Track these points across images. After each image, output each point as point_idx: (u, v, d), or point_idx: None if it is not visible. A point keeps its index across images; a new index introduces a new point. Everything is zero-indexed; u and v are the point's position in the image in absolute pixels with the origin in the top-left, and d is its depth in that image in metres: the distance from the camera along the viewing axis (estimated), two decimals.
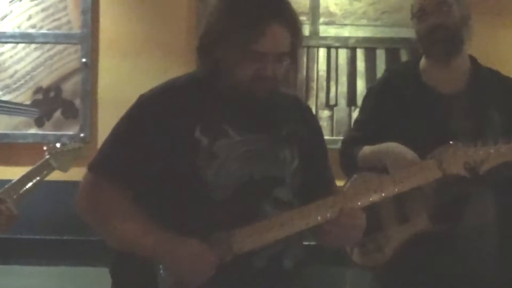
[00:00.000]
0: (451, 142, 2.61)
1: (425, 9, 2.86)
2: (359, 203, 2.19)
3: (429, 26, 2.84)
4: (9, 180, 3.40)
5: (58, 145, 3.57)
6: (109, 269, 2.26)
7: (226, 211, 2.16)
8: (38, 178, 3.44)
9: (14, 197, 3.24)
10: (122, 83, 4.42)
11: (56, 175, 3.63)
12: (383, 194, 2.21)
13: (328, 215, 2.15)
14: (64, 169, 3.59)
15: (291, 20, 2.18)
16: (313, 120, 2.47)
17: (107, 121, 4.23)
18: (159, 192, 2.23)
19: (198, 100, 2.23)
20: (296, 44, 2.21)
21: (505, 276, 2.85)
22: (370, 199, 2.20)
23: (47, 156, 3.53)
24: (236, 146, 2.20)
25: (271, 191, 2.22)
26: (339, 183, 2.83)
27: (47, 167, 3.51)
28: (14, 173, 3.59)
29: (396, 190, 2.23)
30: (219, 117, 2.21)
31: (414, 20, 2.93)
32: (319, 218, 2.15)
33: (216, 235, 2.11)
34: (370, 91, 3.12)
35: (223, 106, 2.22)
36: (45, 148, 3.57)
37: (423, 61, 2.98)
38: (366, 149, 2.87)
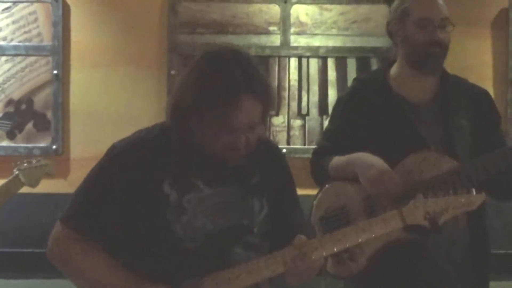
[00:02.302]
0: (422, 151, 2.73)
1: (433, 22, 2.81)
2: (324, 253, 2.23)
3: (431, 39, 2.80)
4: None
5: (25, 162, 3.66)
6: None
7: (197, 258, 2.19)
8: (9, 193, 3.56)
9: None
10: (94, 95, 4.42)
11: (26, 188, 3.69)
12: (347, 244, 2.25)
13: (292, 263, 2.19)
14: (33, 185, 3.67)
15: (263, 92, 2.17)
16: (284, 166, 2.45)
17: (79, 132, 4.32)
18: (130, 242, 2.26)
19: (168, 154, 2.24)
20: (267, 112, 2.22)
21: (475, 283, 2.86)
22: (334, 248, 2.24)
23: (17, 172, 3.62)
24: (205, 199, 2.23)
25: (241, 237, 2.26)
26: (312, 191, 2.93)
27: (17, 183, 3.61)
28: None
29: (360, 240, 2.27)
30: (188, 171, 2.23)
31: (406, 25, 2.86)
32: (284, 266, 2.19)
33: (187, 282, 2.16)
34: (339, 100, 3.08)
35: (192, 159, 2.23)
36: (13, 165, 3.67)
37: (393, 69, 2.96)
38: (337, 159, 2.86)
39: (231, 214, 2.25)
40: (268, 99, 2.20)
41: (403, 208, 2.31)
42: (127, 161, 2.23)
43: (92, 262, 2.20)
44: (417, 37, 2.82)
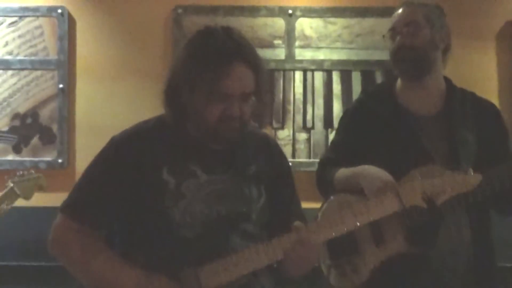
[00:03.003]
0: (427, 165, 2.67)
1: (395, 29, 2.89)
2: (322, 237, 2.24)
3: (397, 46, 2.86)
4: None
5: (18, 173, 3.69)
6: None
7: (195, 246, 2.21)
8: (5, 206, 3.58)
9: None
10: (99, 108, 4.44)
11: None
12: (345, 228, 2.26)
13: (291, 248, 2.20)
14: (27, 197, 3.69)
15: (252, 59, 2.22)
16: (281, 158, 2.48)
17: (84, 146, 4.36)
18: (129, 231, 2.29)
19: (166, 142, 2.28)
20: (260, 83, 2.25)
21: None
22: (333, 233, 2.25)
23: (11, 185, 3.64)
24: (203, 186, 2.25)
25: (238, 225, 2.27)
26: (317, 205, 2.91)
27: (13, 195, 3.64)
28: None
29: (357, 223, 2.27)
30: (187, 158, 2.26)
31: (386, 40, 2.94)
32: (283, 252, 2.20)
33: (185, 271, 2.16)
34: (346, 112, 3.12)
35: (191, 147, 2.28)
36: (6, 178, 3.68)
37: (398, 83, 2.97)
38: (342, 171, 2.86)
39: (229, 201, 2.27)
40: (260, 69, 2.24)
41: (400, 189, 2.32)
42: (126, 150, 2.27)
43: (91, 254, 2.22)
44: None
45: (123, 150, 2.28)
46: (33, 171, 3.79)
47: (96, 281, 2.23)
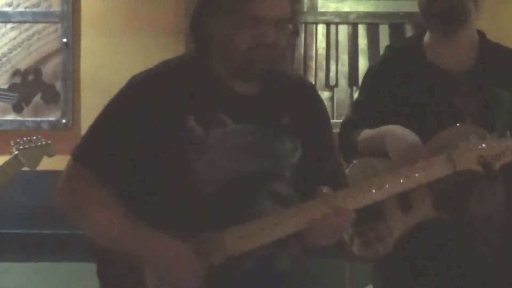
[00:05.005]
0: (458, 125, 2.64)
1: None
2: (360, 202, 2.12)
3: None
4: None
5: (24, 139, 3.59)
6: (96, 270, 2.19)
7: (219, 206, 2.08)
8: (7, 175, 3.50)
9: None
10: (106, 65, 4.35)
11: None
12: (386, 192, 2.16)
13: (323, 214, 2.08)
14: (32, 167, 3.61)
15: None
16: (319, 105, 2.34)
17: (90, 105, 4.30)
18: (144, 185, 2.14)
19: (193, 85, 2.15)
20: (296, 11, 2.12)
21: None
22: (373, 197, 2.13)
23: (16, 152, 3.56)
24: (232, 136, 2.12)
25: (268, 185, 2.14)
26: None
27: (17, 163, 3.54)
28: None
29: (402, 188, 2.18)
30: (214, 104, 2.13)
31: None
32: (314, 217, 2.07)
33: (208, 234, 2.04)
34: (370, 70, 3.06)
35: (218, 91, 2.14)
36: (12, 143, 3.58)
37: (427, 37, 2.89)
38: (366, 132, 2.80)
39: (258, 155, 2.13)
40: None
41: (454, 152, 2.24)
42: (147, 92, 2.13)
43: (98, 198, 2.10)
44: None
45: (144, 91, 2.13)
46: (41, 138, 3.68)
47: (99, 232, 2.11)
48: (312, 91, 2.35)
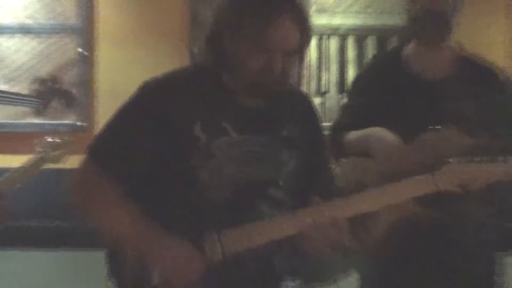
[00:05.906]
0: (438, 127, 2.66)
1: None
2: (350, 212, 2.16)
3: (424, 9, 2.81)
4: (7, 169, 3.46)
5: (49, 139, 3.60)
6: (105, 259, 2.23)
7: (220, 211, 2.12)
8: (31, 172, 3.49)
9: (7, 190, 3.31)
10: (120, 72, 4.43)
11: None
12: (375, 207, 2.19)
13: (314, 220, 2.12)
14: (56, 162, 3.60)
15: (301, 16, 2.14)
16: (316, 120, 2.39)
17: (105, 109, 4.35)
18: (151, 187, 2.18)
19: (202, 94, 2.16)
20: (305, 43, 2.16)
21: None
22: (361, 210, 2.17)
23: (39, 149, 3.55)
24: (235, 145, 2.15)
25: (266, 192, 2.19)
26: None
27: (39, 161, 3.54)
28: (12, 162, 3.68)
29: (387, 202, 2.21)
30: (220, 114, 2.16)
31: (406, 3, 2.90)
32: (309, 223, 2.11)
33: (207, 235, 2.09)
34: (357, 77, 3.14)
35: (225, 103, 2.17)
36: (35, 141, 3.58)
37: (409, 47, 2.95)
38: (352, 134, 2.87)
39: (259, 164, 2.17)
40: (306, 27, 2.15)
41: (436, 173, 2.21)
42: (159, 97, 2.14)
43: (108, 195, 2.12)
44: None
45: (156, 96, 2.15)
46: (67, 138, 3.69)
47: (108, 229, 2.14)
48: (309, 104, 2.39)
